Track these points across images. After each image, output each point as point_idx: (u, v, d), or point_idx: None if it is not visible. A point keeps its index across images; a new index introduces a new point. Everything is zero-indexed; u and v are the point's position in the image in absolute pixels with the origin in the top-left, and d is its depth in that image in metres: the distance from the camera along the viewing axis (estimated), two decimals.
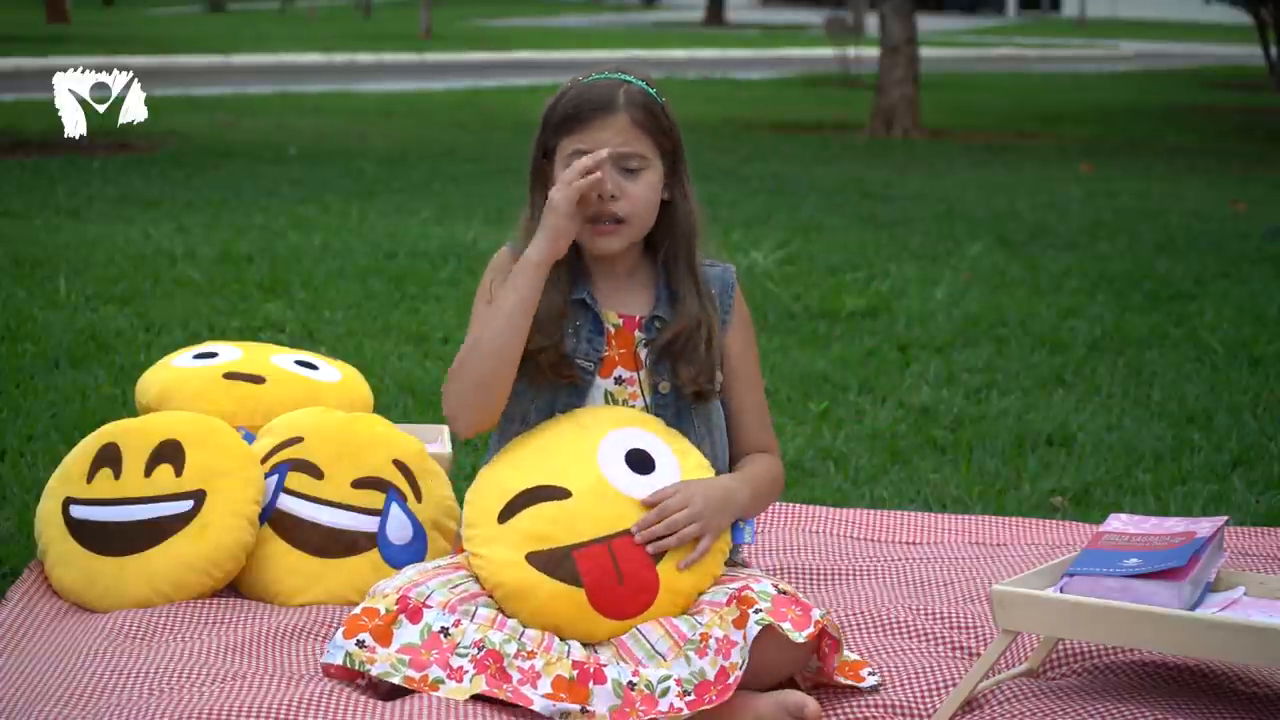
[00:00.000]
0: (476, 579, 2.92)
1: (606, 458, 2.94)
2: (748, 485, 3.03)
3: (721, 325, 3.09)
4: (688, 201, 3.06)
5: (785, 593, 2.87)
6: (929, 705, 2.88)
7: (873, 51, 17.23)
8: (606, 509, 2.90)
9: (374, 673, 2.78)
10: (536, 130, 3.07)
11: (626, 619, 2.87)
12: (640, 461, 2.95)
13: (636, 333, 3.05)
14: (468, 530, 2.96)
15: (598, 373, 3.04)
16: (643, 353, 3.05)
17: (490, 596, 2.89)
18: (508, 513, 2.92)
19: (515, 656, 2.79)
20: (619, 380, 3.05)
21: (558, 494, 2.92)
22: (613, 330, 3.05)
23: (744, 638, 2.80)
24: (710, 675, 2.78)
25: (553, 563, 2.86)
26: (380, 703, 2.74)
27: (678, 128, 3.07)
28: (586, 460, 2.94)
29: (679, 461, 2.97)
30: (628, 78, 3.04)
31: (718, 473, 3.04)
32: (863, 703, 2.88)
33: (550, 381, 3.02)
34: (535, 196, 3.06)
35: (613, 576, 2.86)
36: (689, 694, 2.77)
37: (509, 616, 2.87)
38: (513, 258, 3.04)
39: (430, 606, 2.84)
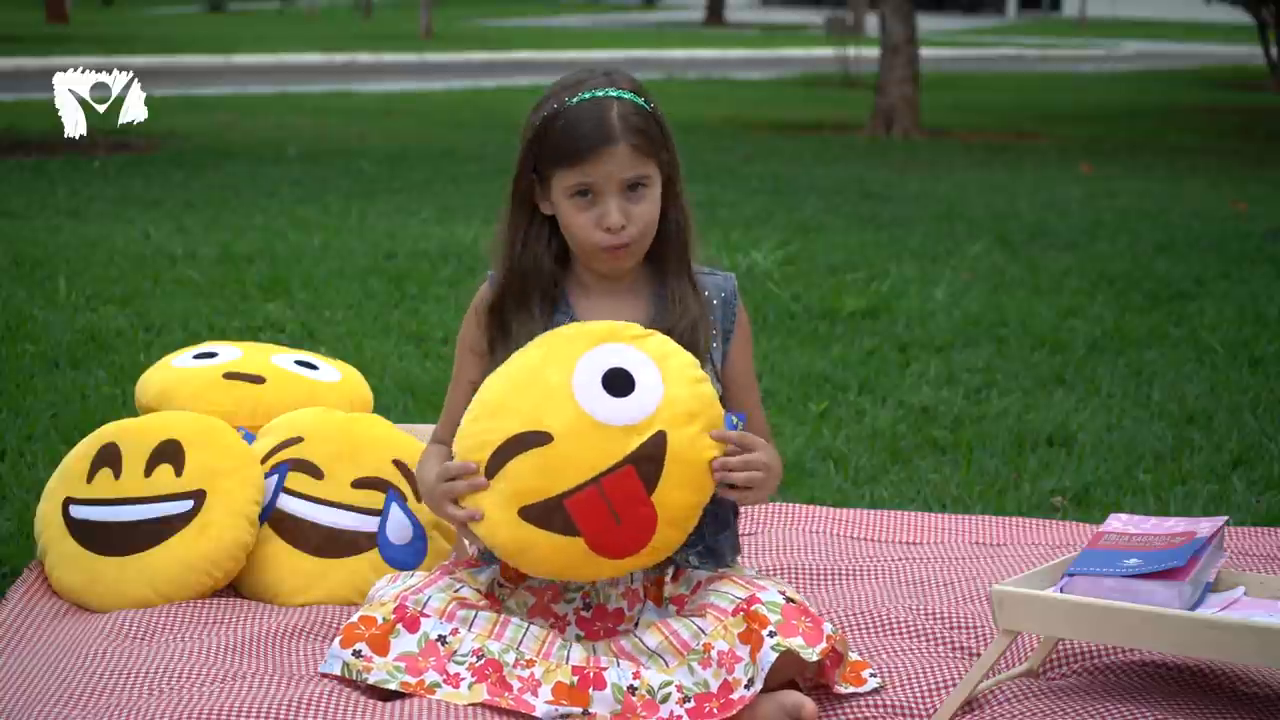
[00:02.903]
0: (472, 583, 2.91)
1: (583, 387, 2.84)
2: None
3: (726, 336, 3.04)
4: (682, 209, 3.00)
5: (793, 600, 2.86)
6: (929, 705, 2.88)
7: (873, 51, 17.23)
8: (591, 447, 2.81)
9: (371, 680, 2.78)
10: (521, 144, 2.96)
11: (630, 556, 2.83)
12: (619, 382, 2.86)
13: None
14: None
15: None
16: None
17: (487, 595, 2.88)
18: (493, 467, 2.85)
19: (514, 665, 2.79)
20: None
21: (540, 439, 2.83)
22: None
23: (753, 659, 2.76)
24: (713, 687, 2.77)
25: (546, 515, 2.81)
26: (380, 703, 2.74)
27: (670, 133, 2.98)
28: (562, 394, 2.84)
29: (660, 368, 2.87)
30: (616, 93, 2.92)
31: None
32: (863, 703, 2.88)
33: None
34: (516, 215, 2.98)
35: (609, 519, 2.80)
36: (689, 700, 2.76)
37: (514, 574, 2.86)
38: (490, 292, 3.00)
39: (428, 615, 2.83)
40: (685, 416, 2.85)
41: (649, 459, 2.81)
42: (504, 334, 2.99)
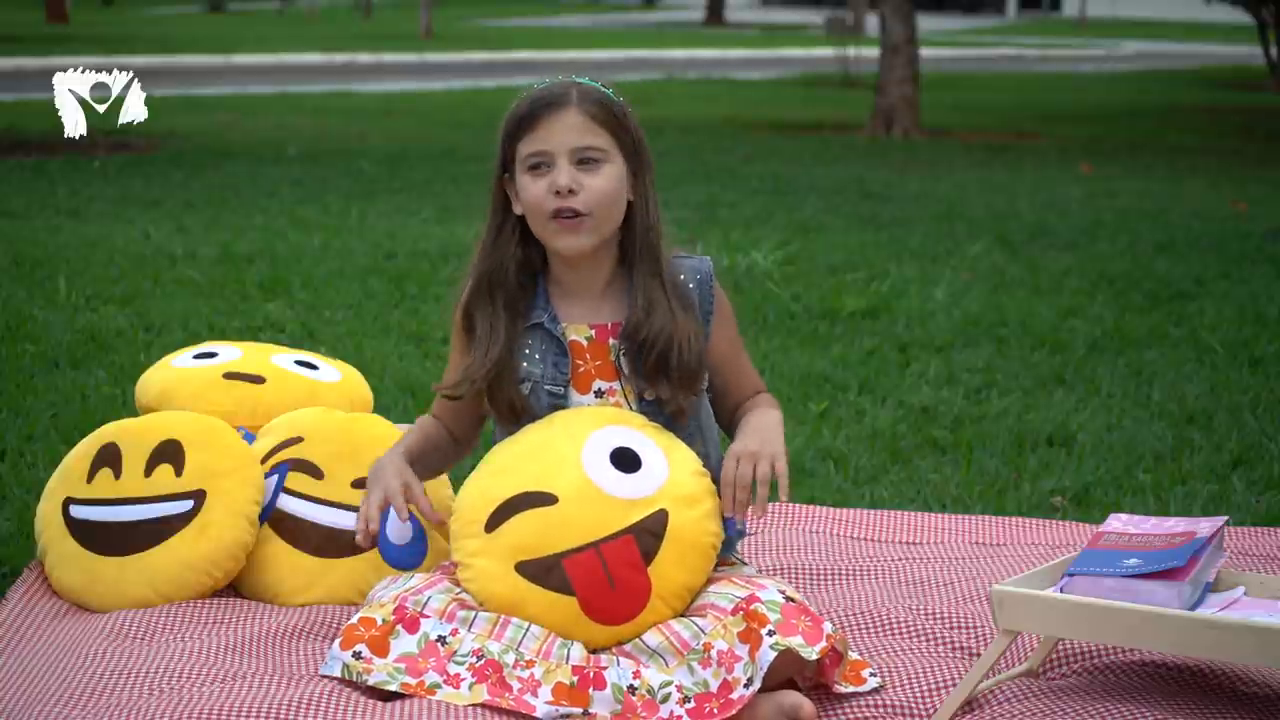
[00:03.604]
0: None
1: (591, 459, 2.90)
2: (773, 406, 3.06)
3: (706, 318, 3.06)
4: (647, 203, 3.03)
5: (793, 600, 2.86)
6: (929, 705, 2.88)
7: (873, 51, 17.22)
8: (594, 513, 2.87)
9: (371, 682, 2.78)
10: (497, 149, 3.05)
11: (621, 624, 2.86)
12: (626, 460, 2.92)
13: (611, 341, 3.03)
14: (455, 542, 2.94)
15: (570, 392, 3.02)
16: (620, 361, 3.02)
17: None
18: (494, 522, 2.90)
19: (514, 666, 2.78)
20: (599, 393, 3.03)
21: (544, 500, 2.88)
22: (584, 343, 3.03)
23: (752, 658, 2.76)
24: (713, 687, 2.77)
25: (542, 571, 2.85)
26: (380, 703, 2.74)
27: (640, 129, 3.04)
28: (571, 463, 2.90)
29: (666, 456, 2.94)
30: (581, 79, 3.03)
31: (711, 472, 3.02)
32: (863, 703, 2.88)
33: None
34: (491, 215, 3.08)
35: (604, 582, 2.84)
36: (689, 701, 2.76)
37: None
38: (464, 289, 3.08)
39: (427, 615, 2.83)
40: (687, 500, 2.92)
41: (649, 533, 2.88)
42: (472, 330, 3.05)
